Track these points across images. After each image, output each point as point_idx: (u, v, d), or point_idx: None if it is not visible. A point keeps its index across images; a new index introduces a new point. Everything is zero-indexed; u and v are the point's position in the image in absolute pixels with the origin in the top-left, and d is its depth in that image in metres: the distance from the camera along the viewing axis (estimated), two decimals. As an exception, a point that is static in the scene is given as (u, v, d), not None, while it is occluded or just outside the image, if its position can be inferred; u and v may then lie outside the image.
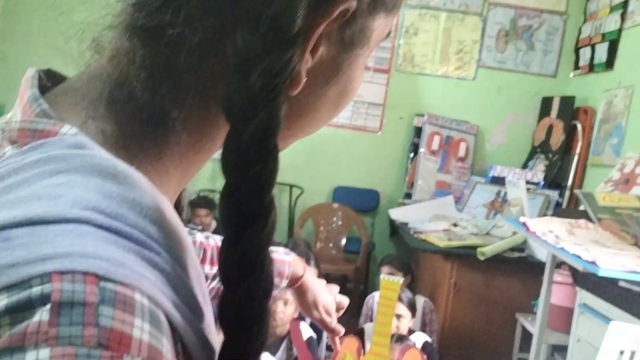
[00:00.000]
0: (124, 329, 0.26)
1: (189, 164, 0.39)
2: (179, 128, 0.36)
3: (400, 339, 2.09)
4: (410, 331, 2.47)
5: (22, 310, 0.25)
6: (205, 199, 3.82)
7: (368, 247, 3.90)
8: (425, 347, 2.38)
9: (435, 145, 4.10)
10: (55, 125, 0.33)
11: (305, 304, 0.83)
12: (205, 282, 0.38)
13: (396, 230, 3.68)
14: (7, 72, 3.33)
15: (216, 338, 0.35)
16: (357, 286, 3.76)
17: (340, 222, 4.01)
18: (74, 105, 0.35)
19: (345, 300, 0.86)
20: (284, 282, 0.80)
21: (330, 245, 3.99)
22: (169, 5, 0.33)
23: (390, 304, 0.92)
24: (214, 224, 3.79)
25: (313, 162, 4.25)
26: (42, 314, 0.25)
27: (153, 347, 0.27)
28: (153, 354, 0.26)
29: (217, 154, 0.35)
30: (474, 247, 2.88)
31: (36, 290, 0.25)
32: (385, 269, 3.03)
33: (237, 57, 0.32)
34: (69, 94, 0.36)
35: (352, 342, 0.99)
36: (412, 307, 2.45)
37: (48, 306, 0.25)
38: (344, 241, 4.00)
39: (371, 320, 2.59)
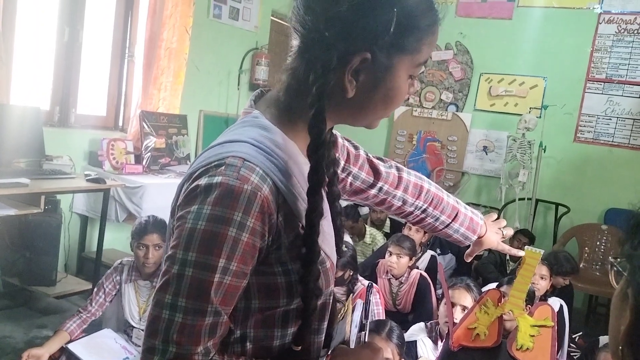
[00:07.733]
0: (247, 176, 0.69)
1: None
2: (299, 112, 0.78)
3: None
4: None
5: (218, 166, 0.70)
6: (469, 212, 4.19)
7: (638, 273, 3.65)
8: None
9: None
10: (252, 110, 0.80)
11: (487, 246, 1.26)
12: (306, 180, 0.75)
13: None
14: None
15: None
16: (623, 312, 3.58)
17: (609, 245, 3.86)
18: (263, 104, 0.81)
19: (508, 231, 1.28)
20: (474, 237, 1.21)
21: (596, 267, 3.88)
22: (298, 59, 0.77)
23: (531, 269, 1.21)
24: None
25: (583, 182, 4.19)
26: (221, 168, 0.70)
27: (257, 185, 0.69)
28: (256, 187, 0.69)
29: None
30: None
31: (222, 161, 0.71)
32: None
33: (312, 83, 0.73)
34: (264, 100, 0.83)
35: (494, 292, 1.34)
36: None
37: (224, 166, 0.70)
38: (611, 264, 3.82)
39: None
